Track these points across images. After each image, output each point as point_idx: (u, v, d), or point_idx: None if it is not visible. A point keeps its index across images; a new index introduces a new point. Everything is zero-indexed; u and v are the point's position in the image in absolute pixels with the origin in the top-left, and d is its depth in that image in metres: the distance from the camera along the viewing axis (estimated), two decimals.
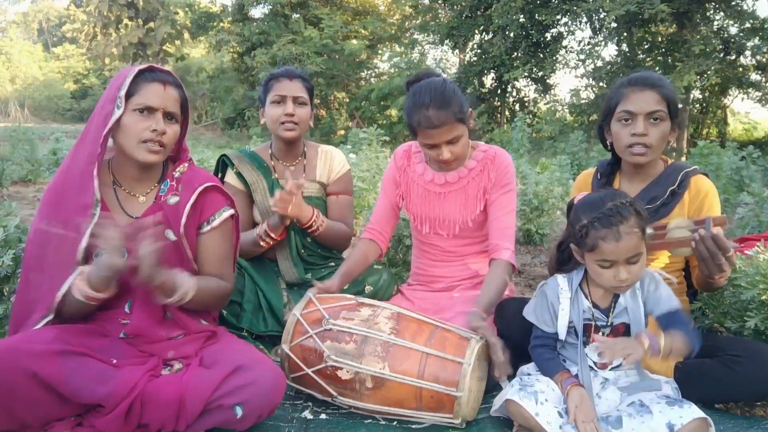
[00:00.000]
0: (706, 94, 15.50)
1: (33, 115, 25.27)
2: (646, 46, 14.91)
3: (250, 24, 19.72)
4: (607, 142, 1.81)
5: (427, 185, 2.01)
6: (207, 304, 1.62)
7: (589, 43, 15.29)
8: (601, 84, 14.63)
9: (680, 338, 1.34)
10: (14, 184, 6.51)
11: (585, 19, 15.12)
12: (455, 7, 16.95)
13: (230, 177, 2.27)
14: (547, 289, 1.58)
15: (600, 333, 1.50)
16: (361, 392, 1.53)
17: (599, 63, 14.83)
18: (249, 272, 2.17)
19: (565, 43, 16.01)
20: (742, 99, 22.53)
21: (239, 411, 1.34)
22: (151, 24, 27.17)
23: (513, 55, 15.38)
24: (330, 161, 2.34)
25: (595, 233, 1.38)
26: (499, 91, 17.09)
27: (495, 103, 17.32)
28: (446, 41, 17.52)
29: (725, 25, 13.21)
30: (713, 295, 1.78)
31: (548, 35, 15.57)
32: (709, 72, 12.21)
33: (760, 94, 13.58)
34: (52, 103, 27.77)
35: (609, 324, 1.49)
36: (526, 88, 17.89)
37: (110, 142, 1.52)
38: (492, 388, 1.69)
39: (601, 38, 14.69)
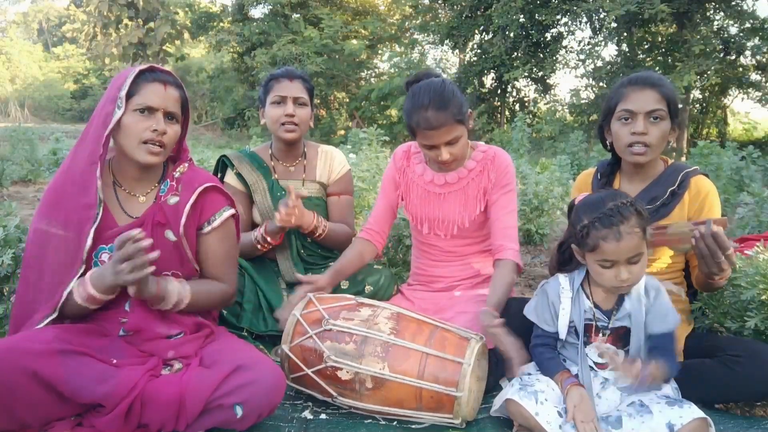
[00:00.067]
0: (706, 94, 15.50)
1: (33, 115, 25.26)
2: (646, 46, 14.91)
3: (250, 24, 19.72)
4: (607, 142, 1.81)
5: (427, 186, 2.01)
6: (206, 307, 1.64)
7: (589, 43, 15.29)
8: (601, 84, 14.63)
9: (663, 370, 1.37)
10: (14, 184, 6.51)
11: (585, 19, 15.12)
12: (455, 7, 16.94)
13: (230, 177, 2.27)
14: (548, 288, 1.58)
15: (600, 334, 1.50)
16: (361, 392, 1.53)
17: (599, 63, 14.83)
18: (249, 272, 2.17)
19: (565, 43, 16.01)
20: (742, 99, 22.54)
21: (239, 410, 1.34)
22: (151, 24, 27.16)
23: (513, 55, 15.37)
24: (330, 161, 2.34)
25: (595, 233, 1.38)
26: (499, 91, 17.09)
27: (495, 103, 17.32)
28: (446, 41, 17.51)
29: (725, 25, 13.21)
30: (713, 295, 1.78)
31: (548, 35, 15.57)
32: (709, 72, 12.21)
33: (760, 94, 13.57)
34: (52, 103, 27.76)
35: (609, 326, 1.49)
36: (526, 88, 17.90)
37: (111, 142, 1.52)
38: (492, 388, 1.69)
39: (601, 38, 14.68)
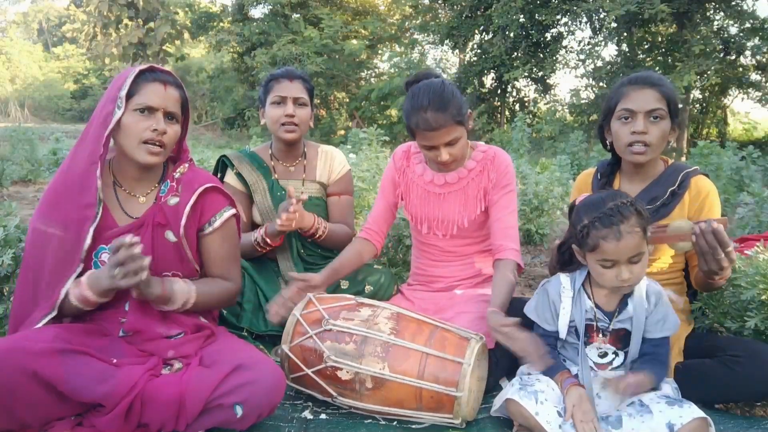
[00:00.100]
0: (706, 94, 15.50)
1: (33, 115, 25.26)
2: (646, 46, 14.91)
3: (250, 24, 19.72)
4: (607, 141, 1.81)
5: (427, 186, 2.01)
6: (211, 306, 1.65)
7: (589, 43, 15.29)
8: (601, 84, 14.62)
9: (649, 380, 1.39)
10: (14, 184, 6.51)
11: (585, 19, 15.12)
12: (455, 7, 16.94)
13: (230, 177, 2.27)
14: (549, 287, 1.58)
15: (600, 334, 1.50)
16: (361, 392, 1.53)
17: (599, 63, 14.83)
18: (249, 272, 2.17)
19: (565, 43, 16.01)
20: (742, 99, 22.53)
21: (239, 410, 1.34)
22: (151, 24, 27.15)
23: (513, 55, 15.37)
24: (330, 161, 2.34)
25: (595, 233, 1.38)
26: (499, 91, 17.08)
27: (495, 103, 17.31)
28: (446, 41, 17.51)
29: (725, 25, 13.20)
30: (713, 295, 1.78)
31: (548, 35, 15.56)
32: (709, 72, 12.20)
33: (760, 94, 13.56)
34: (52, 103, 27.76)
35: (610, 327, 1.49)
36: (526, 88, 17.90)
37: (111, 142, 1.52)
38: (492, 388, 1.69)
39: (601, 38, 14.68)
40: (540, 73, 15.84)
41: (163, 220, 1.54)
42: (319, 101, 19.00)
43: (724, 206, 4.14)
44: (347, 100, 20.22)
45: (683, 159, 9.96)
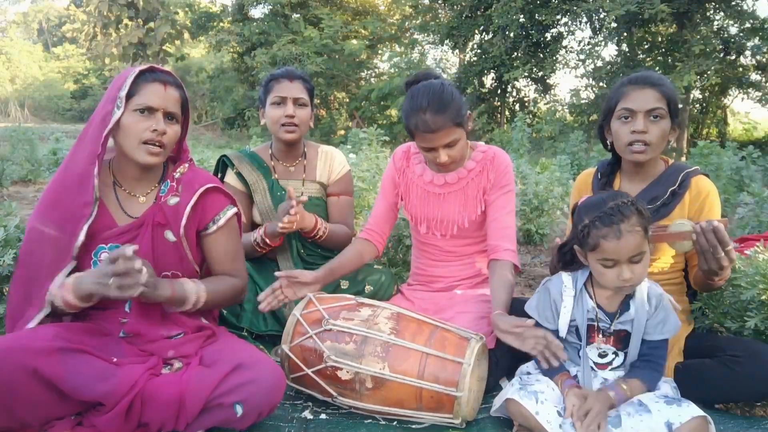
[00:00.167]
0: (706, 94, 15.50)
1: (33, 115, 25.26)
2: (646, 46, 14.91)
3: (250, 24, 19.72)
4: (608, 141, 1.81)
5: (427, 186, 2.01)
6: (221, 304, 1.65)
7: (589, 43, 15.29)
8: (601, 84, 14.62)
9: (642, 386, 1.42)
10: (14, 184, 6.51)
11: (585, 19, 15.12)
12: (455, 7, 16.94)
13: (230, 177, 2.27)
14: (550, 285, 1.58)
15: (601, 334, 1.50)
16: (361, 392, 1.53)
17: (599, 63, 14.83)
18: (249, 272, 2.17)
19: (565, 43, 16.01)
20: (742, 99, 22.52)
21: (239, 409, 1.34)
22: (151, 24, 27.16)
23: (513, 55, 15.37)
24: (330, 162, 2.34)
25: (596, 232, 1.38)
26: (499, 91, 17.08)
27: (495, 103, 17.32)
28: (446, 41, 17.51)
29: (725, 25, 13.20)
30: (713, 295, 1.78)
31: (548, 35, 15.56)
32: (709, 72, 12.20)
33: (760, 94, 13.56)
34: (52, 103, 27.76)
35: (612, 328, 1.49)
36: (526, 88, 17.90)
37: (111, 142, 1.52)
38: (492, 388, 1.69)
39: (601, 38, 14.68)
40: (540, 73, 15.85)
41: (163, 220, 1.54)
42: (319, 101, 19.00)
43: (724, 206, 4.14)
44: (347, 100, 20.22)
45: (683, 159, 9.96)
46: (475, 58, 16.75)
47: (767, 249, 1.71)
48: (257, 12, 20.84)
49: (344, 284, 2.18)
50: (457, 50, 18.35)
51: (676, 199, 1.71)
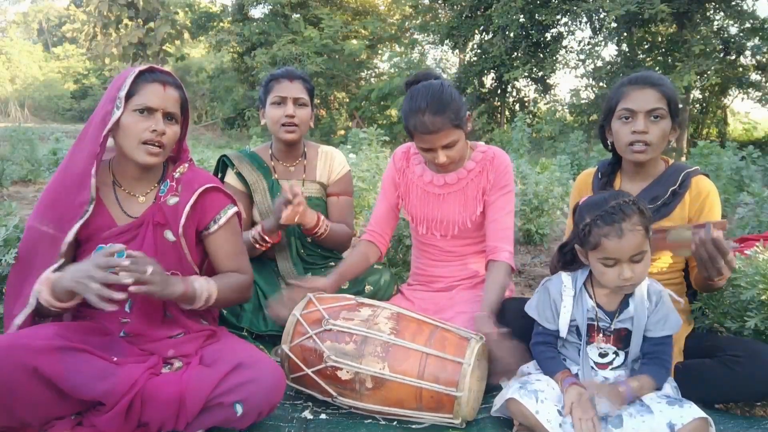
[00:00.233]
0: (706, 94, 15.50)
1: (33, 115, 25.27)
2: (646, 46, 14.91)
3: (250, 24, 19.72)
4: (608, 141, 1.81)
5: (426, 186, 2.01)
6: (232, 300, 1.65)
7: (589, 43, 15.29)
8: (601, 84, 14.63)
9: (650, 384, 1.41)
10: (14, 184, 6.51)
11: (585, 19, 15.12)
12: (455, 7, 16.94)
13: (230, 177, 2.27)
14: (550, 285, 1.58)
15: (601, 334, 1.50)
16: (361, 392, 1.53)
17: (599, 63, 14.83)
18: None
19: (565, 43, 16.02)
20: (742, 99, 22.53)
21: (239, 409, 1.34)
22: (151, 24, 27.16)
23: (513, 55, 15.37)
24: (330, 162, 2.34)
25: (597, 231, 1.38)
26: (499, 91, 17.09)
27: (495, 103, 17.32)
28: (446, 41, 17.51)
29: (725, 25, 13.21)
30: (713, 295, 1.78)
31: (548, 35, 15.57)
32: (709, 72, 12.20)
33: (760, 94, 13.57)
34: (52, 103, 27.77)
35: (612, 327, 1.49)
36: (526, 88, 17.91)
37: (111, 142, 1.53)
38: (492, 388, 1.69)
39: (601, 38, 14.68)
40: (540, 73, 15.85)
41: (162, 220, 1.54)
42: (319, 101, 19.01)
43: (724, 206, 4.14)
44: (347, 100, 20.23)
45: (683, 159, 9.95)
46: (475, 58, 16.75)
47: (767, 249, 1.71)
48: (257, 12, 20.88)
49: (344, 284, 2.18)
50: (457, 50, 18.36)
51: (677, 199, 1.71)
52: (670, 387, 1.47)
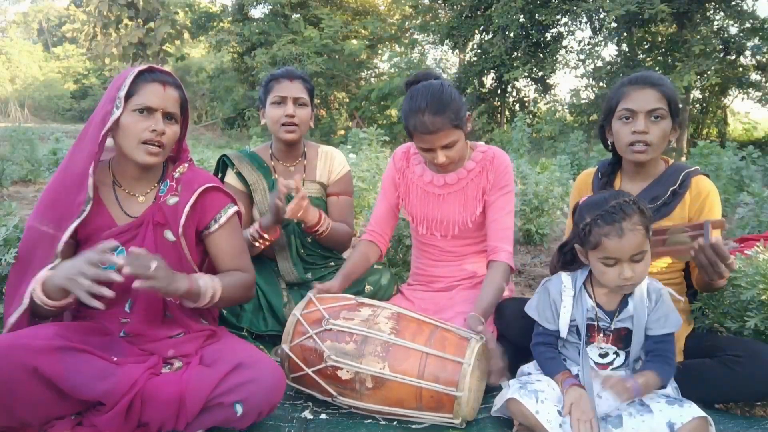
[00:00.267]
0: (706, 94, 15.50)
1: (33, 115, 25.27)
2: (646, 46, 14.91)
3: (250, 24, 19.73)
4: (608, 141, 1.81)
5: (426, 186, 2.01)
6: (235, 299, 1.64)
7: (589, 43, 15.29)
8: (601, 84, 14.63)
9: (656, 379, 1.39)
10: (14, 184, 6.52)
11: (585, 19, 15.12)
12: (455, 7, 16.95)
13: (230, 177, 2.27)
14: (550, 285, 1.58)
15: (601, 334, 1.50)
16: (361, 392, 1.53)
17: (599, 63, 14.83)
18: None
19: (565, 43, 16.02)
20: (742, 99, 22.53)
21: (239, 408, 1.34)
22: (151, 24, 27.16)
23: (513, 55, 15.38)
24: (330, 162, 2.34)
25: (598, 230, 1.38)
26: (499, 91, 17.09)
27: (495, 103, 17.32)
28: (446, 41, 17.51)
29: (725, 25, 13.21)
30: (713, 295, 1.78)
31: (548, 35, 15.57)
32: (709, 72, 12.21)
33: (760, 94, 13.57)
34: (52, 103, 27.76)
35: (612, 327, 1.49)
36: (526, 88, 17.91)
37: (111, 142, 1.52)
38: (492, 388, 1.69)
39: (601, 38, 14.68)
40: (540, 73, 15.86)
41: (162, 220, 1.54)
42: (319, 101, 19.01)
43: (724, 206, 4.14)
44: (347, 100, 20.23)
45: (683, 159, 9.96)
46: (475, 58, 16.75)
47: (767, 249, 1.71)
48: (257, 12, 20.88)
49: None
50: (457, 50, 18.36)
51: (677, 199, 1.71)
52: (670, 387, 1.47)
